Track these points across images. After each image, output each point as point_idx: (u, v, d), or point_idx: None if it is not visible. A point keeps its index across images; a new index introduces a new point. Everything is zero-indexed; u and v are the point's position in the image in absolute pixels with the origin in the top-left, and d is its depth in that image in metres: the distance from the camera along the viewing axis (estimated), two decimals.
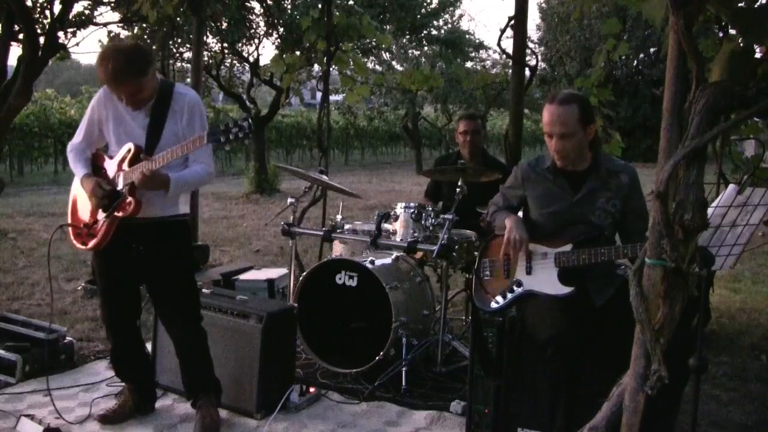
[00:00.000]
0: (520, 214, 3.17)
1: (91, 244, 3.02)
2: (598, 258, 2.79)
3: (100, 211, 2.98)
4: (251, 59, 14.25)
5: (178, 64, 13.27)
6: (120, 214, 2.94)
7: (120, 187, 2.95)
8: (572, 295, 2.83)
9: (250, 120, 2.79)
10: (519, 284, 2.97)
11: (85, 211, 3.07)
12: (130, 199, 2.92)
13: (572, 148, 2.90)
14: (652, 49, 24.93)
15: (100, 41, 13.10)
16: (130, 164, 2.93)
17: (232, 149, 21.63)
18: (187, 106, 2.96)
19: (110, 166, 3.02)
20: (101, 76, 2.83)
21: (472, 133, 4.53)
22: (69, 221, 3.13)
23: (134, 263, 3.05)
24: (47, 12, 6.97)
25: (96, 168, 3.06)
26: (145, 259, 3.04)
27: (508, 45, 5.06)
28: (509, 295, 2.98)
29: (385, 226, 4.07)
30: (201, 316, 3.20)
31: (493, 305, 3.00)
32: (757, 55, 2.09)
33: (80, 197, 3.10)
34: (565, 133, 2.87)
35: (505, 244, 2.97)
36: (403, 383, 3.57)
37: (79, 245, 3.09)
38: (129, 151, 2.94)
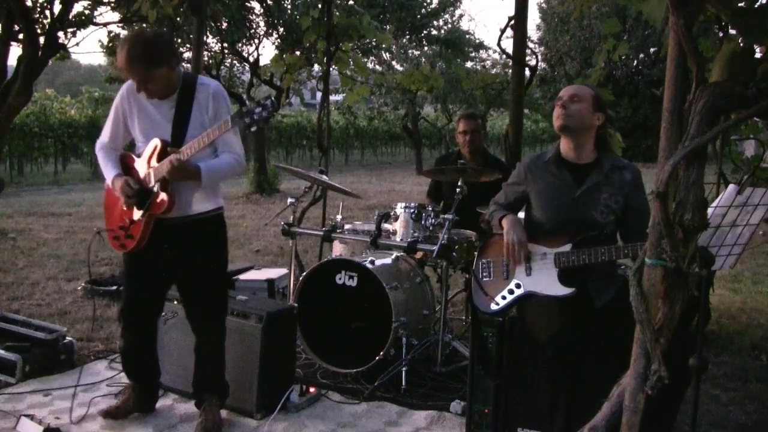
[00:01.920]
0: (521, 214, 3.16)
1: (131, 246, 2.99)
2: (598, 258, 2.77)
3: (134, 210, 2.96)
4: (251, 59, 14.27)
5: None
6: (155, 211, 2.91)
7: (151, 183, 2.92)
8: (573, 296, 2.82)
9: (272, 98, 2.79)
10: (519, 286, 2.96)
11: (119, 213, 3.03)
12: (162, 195, 2.88)
13: (576, 112, 2.88)
14: (652, 49, 24.92)
15: (100, 41, 13.09)
16: (159, 159, 2.89)
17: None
18: (212, 96, 2.94)
19: (140, 165, 3.00)
20: (117, 60, 2.86)
21: (471, 133, 4.53)
22: (105, 226, 3.11)
23: (168, 264, 3.04)
24: (47, 12, 6.97)
25: (125, 168, 3.04)
26: (179, 259, 3.02)
27: (508, 45, 5.07)
28: (509, 297, 2.98)
29: (385, 226, 4.07)
30: (227, 312, 3.20)
31: (493, 307, 3.00)
32: (757, 55, 2.10)
33: (112, 200, 3.08)
34: (575, 93, 2.89)
35: (504, 247, 2.96)
36: (403, 383, 3.57)
37: (118, 249, 3.07)
38: (156, 146, 2.92)
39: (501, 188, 3.28)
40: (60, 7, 5.88)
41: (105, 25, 9.06)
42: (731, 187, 2.41)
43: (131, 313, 3.14)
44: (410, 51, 21.29)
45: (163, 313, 3.35)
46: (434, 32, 20.22)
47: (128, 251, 3.02)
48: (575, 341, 2.68)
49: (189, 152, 2.82)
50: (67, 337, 3.88)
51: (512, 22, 4.86)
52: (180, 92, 2.93)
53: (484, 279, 3.09)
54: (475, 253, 3.23)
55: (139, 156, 3.02)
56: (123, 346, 3.22)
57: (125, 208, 2.99)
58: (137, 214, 2.95)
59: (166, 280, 3.16)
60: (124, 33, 11.65)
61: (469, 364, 2.99)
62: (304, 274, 3.95)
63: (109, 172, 3.03)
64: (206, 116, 2.94)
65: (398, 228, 4.04)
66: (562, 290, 2.84)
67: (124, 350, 3.23)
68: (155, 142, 2.92)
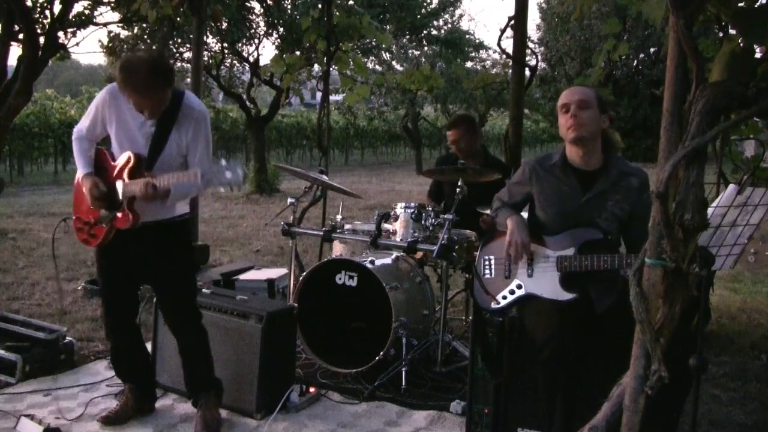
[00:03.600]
0: (525, 213, 3.15)
1: (94, 244, 3.05)
2: (600, 265, 2.75)
3: (100, 214, 2.98)
4: (251, 59, 14.26)
5: (178, 64, 13.28)
6: (118, 226, 2.96)
7: (119, 195, 2.94)
8: (574, 301, 2.81)
9: (245, 170, 2.86)
10: (520, 287, 2.96)
11: (86, 208, 3.06)
12: (128, 213, 2.92)
13: (588, 120, 2.81)
14: (652, 49, 24.91)
15: (100, 41, 13.07)
16: (130, 175, 2.90)
17: (232, 149, 21.65)
18: (194, 121, 2.94)
19: (111, 169, 3.00)
20: (126, 87, 2.76)
21: (458, 141, 4.45)
22: (73, 214, 3.13)
23: (133, 264, 3.06)
24: (47, 12, 6.96)
25: (98, 166, 3.04)
26: (144, 260, 3.04)
27: (508, 45, 5.07)
28: (510, 298, 2.97)
29: (385, 226, 4.07)
30: (201, 315, 3.21)
31: (494, 305, 2.99)
32: (757, 55, 2.09)
33: (81, 194, 3.08)
34: (583, 99, 2.82)
35: (506, 246, 2.95)
36: (403, 383, 3.57)
37: (82, 242, 3.11)
38: (129, 160, 2.91)
39: (500, 188, 3.26)
40: (60, 7, 5.88)
41: (105, 25, 9.06)
42: (731, 187, 2.41)
43: (110, 314, 3.16)
44: (410, 51, 21.27)
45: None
46: (434, 32, 20.21)
47: (90, 247, 3.10)
48: (572, 344, 2.67)
49: (163, 183, 2.81)
50: (67, 337, 3.89)
51: (512, 22, 4.86)
52: (164, 110, 2.90)
53: (486, 276, 3.08)
54: (476, 253, 3.23)
55: (113, 156, 3.02)
56: (111, 349, 3.26)
57: (92, 207, 3.01)
58: (102, 219, 2.99)
59: (135, 282, 3.18)
60: (124, 33, 11.65)
61: (469, 364, 2.99)
62: (304, 274, 3.95)
63: (81, 166, 3.03)
64: (184, 139, 2.94)
65: (398, 228, 4.04)
66: (563, 295, 2.83)
67: (112, 353, 3.27)
68: (129, 155, 2.92)
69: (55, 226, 3.17)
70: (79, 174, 3.04)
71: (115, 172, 2.97)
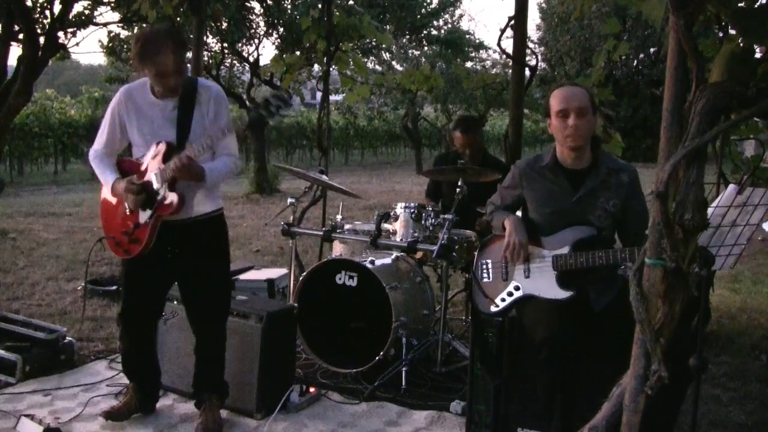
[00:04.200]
0: (519, 213, 3.16)
1: (137, 250, 2.93)
2: (596, 262, 2.77)
3: (140, 213, 2.91)
4: (251, 59, 14.27)
5: None
6: (164, 213, 2.88)
7: (156, 185, 2.88)
8: (571, 299, 2.82)
9: (285, 90, 2.83)
10: (518, 288, 2.97)
11: (120, 218, 2.98)
12: (172, 196, 2.85)
13: (587, 129, 2.85)
14: (652, 49, 24.92)
15: (100, 41, 13.09)
16: (164, 161, 2.86)
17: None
18: (214, 99, 2.95)
19: (141, 167, 2.95)
20: (148, 54, 2.76)
21: (469, 146, 4.48)
22: (104, 234, 3.05)
23: (168, 266, 3.03)
24: (47, 12, 6.98)
25: (125, 172, 3.00)
26: (181, 261, 3.01)
27: (508, 45, 5.06)
28: (509, 299, 2.98)
29: (385, 226, 4.07)
30: (227, 315, 3.20)
31: (493, 308, 3.00)
32: (757, 55, 2.09)
33: (112, 205, 3.04)
34: (581, 107, 2.83)
35: (504, 248, 2.96)
36: (403, 383, 3.57)
37: (122, 255, 3.02)
38: (161, 148, 2.88)
39: None
40: (60, 7, 5.88)
41: (105, 25, 9.08)
42: (731, 187, 2.42)
43: (131, 317, 3.13)
44: (410, 51, 21.30)
45: (164, 314, 3.35)
46: (434, 32, 20.22)
47: (136, 255, 2.96)
48: (571, 343, 2.67)
49: (194, 153, 2.80)
50: (67, 337, 3.88)
51: (512, 22, 4.85)
52: (182, 94, 2.93)
53: (484, 280, 3.09)
54: (476, 253, 3.23)
55: (137, 160, 2.99)
56: (123, 349, 3.22)
57: (129, 213, 2.95)
58: (143, 216, 2.91)
59: (166, 283, 3.16)
60: (124, 33, 11.65)
61: (469, 364, 2.99)
62: (304, 274, 3.95)
63: (107, 177, 2.99)
64: (207, 118, 2.94)
65: (398, 228, 4.04)
66: (560, 293, 2.84)
67: (124, 353, 3.23)
68: (160, 145, 2.89)
69: (91, 248, 3.08)
70: (107, 187, 2.99)
71: (146, 167, 2.93)
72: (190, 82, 2.97)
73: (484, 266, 3.11)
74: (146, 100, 2.95)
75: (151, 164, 2.92)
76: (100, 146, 3.06)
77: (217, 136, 2.83)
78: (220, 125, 2.88)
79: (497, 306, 2.98)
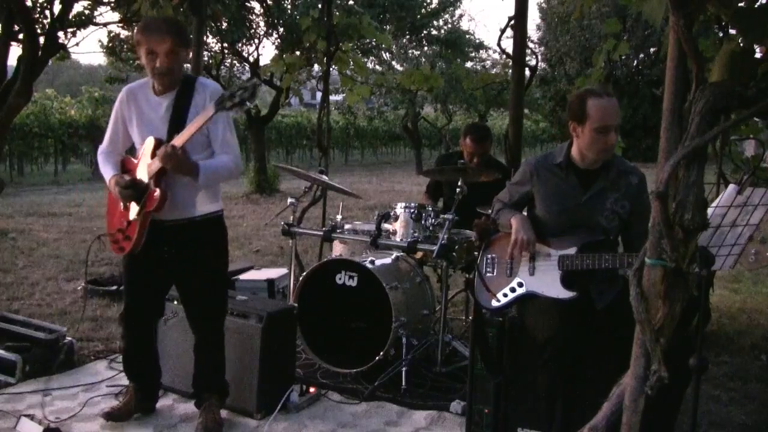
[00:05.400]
0: (525, 212, 3.16)
1: (128, 247, 2.96)
2: (602, 264, 2.77)
3: (131, 210, 2.94)
4: (251, 59, 14.27)
5: None
6: (148, 208, 2.89)
7: (145, 180, 2.90)
8: (574, 300, 2.82)
9: (255, 80, 2.78)
10: (521, 285, 2.96)
11: (118, 216, 3.03)
12: (156, 191, 2.86)
13: (616, 140, 2.90)
14: (652, 49, 24.91)
15: (100, 41, 13.09)
16: (152, 155, 2.88)
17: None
18: (210, 96, 2.93)
19: (134, 165, 3.01)
20: (148, 29, 2.81)
21: (479, 155, 4.47)
22: (106, 231, 3.10)
23: (166, 266, 3.04)
24: (47, 12, 6.97)
25: (125, 171, 3.04)
26: (177, 261, 3.02)
27: (508, 45, 5.07)
28: (510, 295, 2.98)
29: (385, 226, 4.07)
30: (225, 314, 3.20)
31: (494, 303, 3.00)
32: (757, 55, 2.09)
33: (112, 203, 3.08)
34: (619, 124, 2.87)
35: (512, 245, 2.95)
36: (403, 383, 3.57)
37: (118, 252, 3.06)
38: (148, 143, 2.92)
39: (500, 188, 3.28)
40: (60, 7, 5.87)
41: (105, 25, 9.07)
42: (731, 187, 2.41)
43: (132, 317, 3.14)
44: (410, 51, 21.31)
45: (164, 314, 3.35)
46: (434, 32, 20.25)
47: (127, 253, 3.00)
48: (573, 343, 2.67)
49: (180, 140, 2.78)
50: (67, 337, 3.88)
51: (512, 22, 4.86)
52: (179, 91, 2.93)
53: (488, 274, 3.08)
54: (476, 253, 3.23)
55: (135, 158, 3.03)
56: (124, 349, 3.22)
57: (123, 209, 2.99)
58: (133, 213, 2.94)
59: (165, 283, 3.16)
60: (124, 33, 11.64)
61: (469, 364, 2.99)
62: (304, 274, 3.95)
63: (107, 173, 3.03)
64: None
65: (398, 228, 4.04)
66: (563, 293, 2.84)
67: (125, 353, 3.23)
68: (149, 140, 2.92)
69: (89, 244, 3.12)
70: (107, 179, 3.03)
71: (138, 163, 2.97)
72: (189, 80, 2.98)
73: (489, 260, 3.10)
74: (147, 98, 2.97)
75: (142, 160, 2.95)
76: (105, 145, 3.10)
77: (211, 130, 2.84)
78: (216, 125, 2.89)
79: (498, 301, 2.98)
